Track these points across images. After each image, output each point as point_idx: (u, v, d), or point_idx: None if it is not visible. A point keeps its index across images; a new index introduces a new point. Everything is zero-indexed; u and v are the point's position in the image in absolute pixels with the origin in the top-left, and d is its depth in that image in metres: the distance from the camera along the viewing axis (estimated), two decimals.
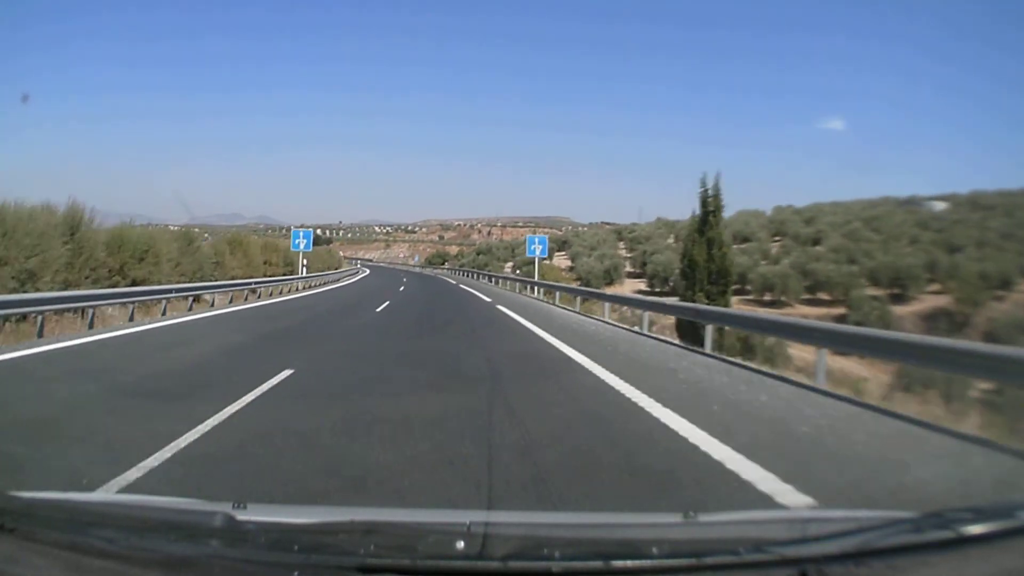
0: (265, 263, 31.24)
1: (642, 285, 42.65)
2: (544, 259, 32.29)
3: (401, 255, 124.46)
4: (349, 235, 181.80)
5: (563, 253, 58.96)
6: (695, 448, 4.47)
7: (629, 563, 1.27)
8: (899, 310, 30.06)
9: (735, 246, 36.32)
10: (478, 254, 74.17)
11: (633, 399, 6.11)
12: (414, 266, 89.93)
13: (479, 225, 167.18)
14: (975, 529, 1.38)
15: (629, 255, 51.82)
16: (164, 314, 14.75)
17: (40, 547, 1.36)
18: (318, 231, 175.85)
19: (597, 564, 1.25)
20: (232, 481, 3.75)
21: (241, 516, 1.47)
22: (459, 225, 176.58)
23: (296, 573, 1.22)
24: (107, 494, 3.24)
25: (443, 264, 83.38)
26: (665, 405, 5.75)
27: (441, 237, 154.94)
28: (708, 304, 14.10)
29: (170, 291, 15.48)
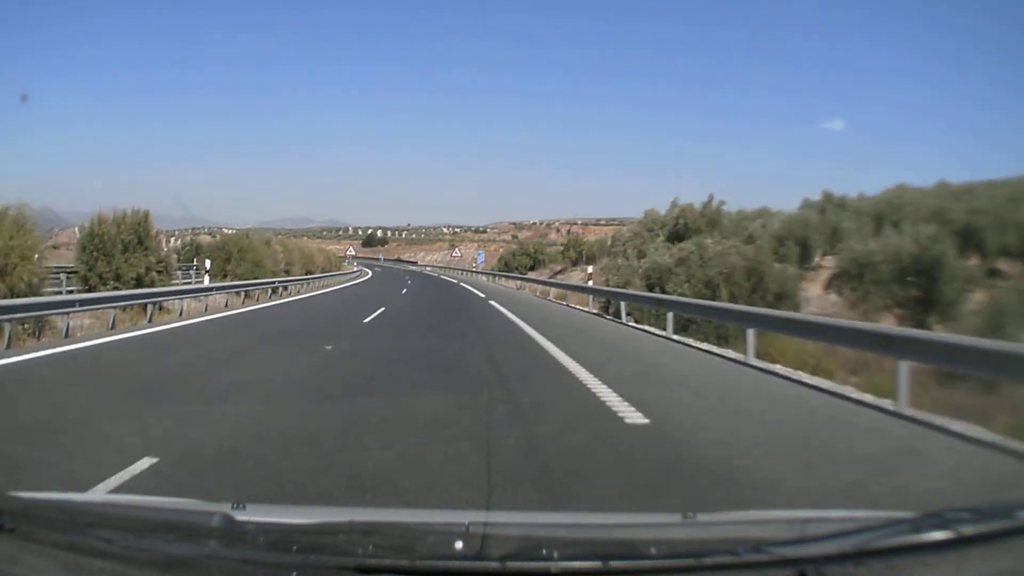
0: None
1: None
2: None
3: (456, 253, 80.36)
4: (414, 236, 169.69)
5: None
6: None
7: (627, 563, 1.27)
8: None
9: None
10: (651, 230, 26.06)
11: None
12: (478, 271, 49.89)
13: (556, 224, 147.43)
14: (974, 529, 1.37)
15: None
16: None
17: (39, 547, 1.36)
18: (378, 232, 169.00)
19: (595, 564, 1.25)
20: None
21: (239, 516, 1.47)
22: (534, 224, 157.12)
23: (295, 574, 1.22)
24: (106, 495, 3.25)
25: (531, 269, 43.44)
26: None
27: (515, 237, 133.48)
28: None
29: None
